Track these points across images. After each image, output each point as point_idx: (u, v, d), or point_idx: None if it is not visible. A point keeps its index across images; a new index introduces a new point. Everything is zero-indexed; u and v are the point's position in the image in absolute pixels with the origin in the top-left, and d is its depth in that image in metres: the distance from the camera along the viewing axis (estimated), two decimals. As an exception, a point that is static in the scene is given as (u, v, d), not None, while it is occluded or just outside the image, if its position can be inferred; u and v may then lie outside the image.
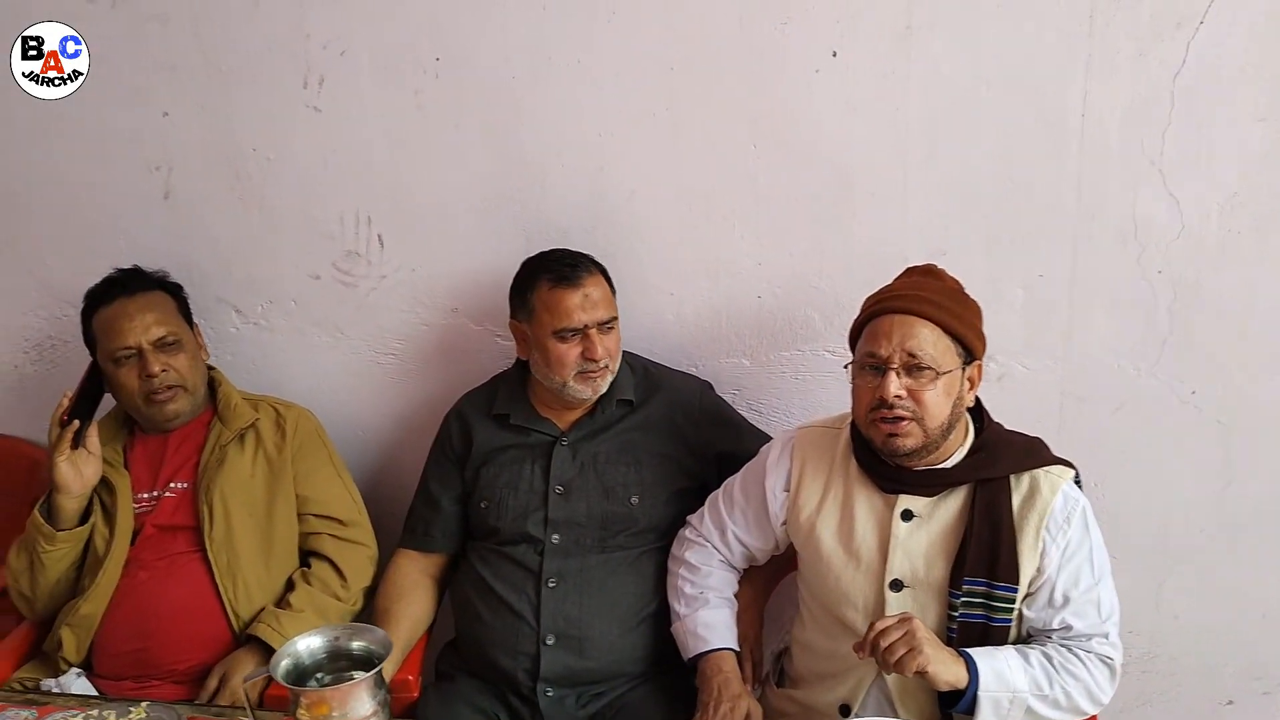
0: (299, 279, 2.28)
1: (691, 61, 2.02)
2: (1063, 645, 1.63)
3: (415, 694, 1.95)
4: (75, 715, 1.63)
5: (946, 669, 1.54)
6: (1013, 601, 1.62)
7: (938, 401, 1.61)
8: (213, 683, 1.93)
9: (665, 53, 2.02)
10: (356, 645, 1.54)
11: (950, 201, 2.03)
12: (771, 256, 2.13)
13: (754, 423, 2.16)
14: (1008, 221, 2.03)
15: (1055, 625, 1.63)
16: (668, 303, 2.19)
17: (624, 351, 2.07)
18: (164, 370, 2.03)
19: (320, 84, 2.13)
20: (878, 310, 1.67)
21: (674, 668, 1.94)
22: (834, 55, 1.97)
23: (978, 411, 1.74)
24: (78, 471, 1.95)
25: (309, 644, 1.53)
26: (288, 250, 2.26)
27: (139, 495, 2.06)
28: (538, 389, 2.06)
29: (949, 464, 1.67)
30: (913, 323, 1.62)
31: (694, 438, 2.06)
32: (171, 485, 2.07)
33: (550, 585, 1.94)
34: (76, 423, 1.95)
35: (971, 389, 1.68)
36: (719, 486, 1.97)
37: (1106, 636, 1.64)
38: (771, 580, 2.06)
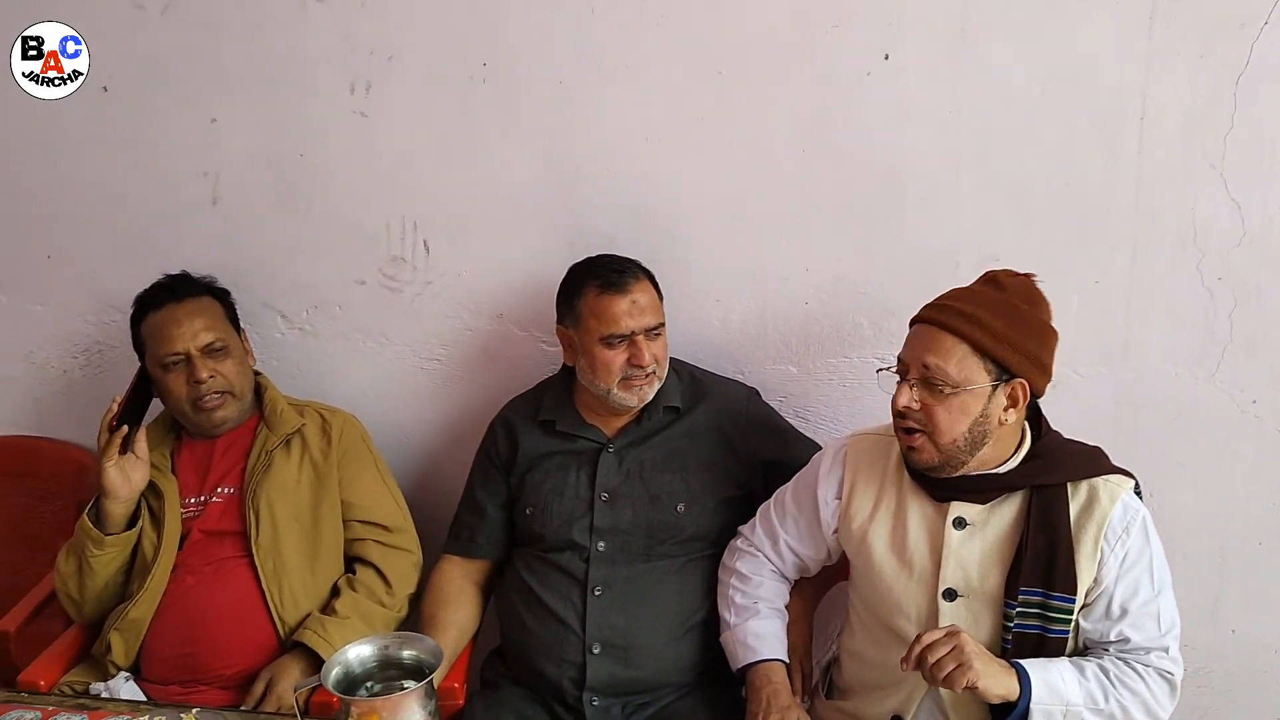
0: (345, 284, 2.28)
1: (740, 65, 2.00)
2: (1120, 658, 1.60)
3: (460, 702, 1.95)
4: (125, 721, 1.63)
5: (997, 682, 1.51)
6: (1070, 612, 1.59)
7: (950, 418, 1.58)
8: (259, 688, 1.93)
9: (714, 56, 2.00)
10: (407, 654, 1.54)
11: (1004, 205, 2.00)
12: (819, 262, 2.10)
13: (801, 430, 2.14)
14: (1062, 226, 2.00)
15: (1112, 637, 1.60)
16: (714, 309, 2.18)
17: (670, 358, 2.05)
18: (212, 376, 2.04)
19: (367, 90, 2.13)
20: (915, 318, 1.67)
21: (720, 678, 1.92)
22: (886, 58, 1.95)
23: (1036, 419, 1.71)
24: (125, 476, 1.96)
25: (359, 652, 1.53)
26: (333, 256, 2.27)
27: (186, 500, 2.07)
28: (584, 395, 2.05)
29: (1003, 469, 1.64)
30: (937, 335, 1.59)
31: (741, 445, 2.03)
32: (218, 490, 2.08)
33: (596, 593, 1.93)
34: (125, 428, 1.95)
35: (1011, 408, 1.61)
36: (766, 494, 1.95)
37: (1166, 651, 1.60)
38: (820, 591, 2.04)
